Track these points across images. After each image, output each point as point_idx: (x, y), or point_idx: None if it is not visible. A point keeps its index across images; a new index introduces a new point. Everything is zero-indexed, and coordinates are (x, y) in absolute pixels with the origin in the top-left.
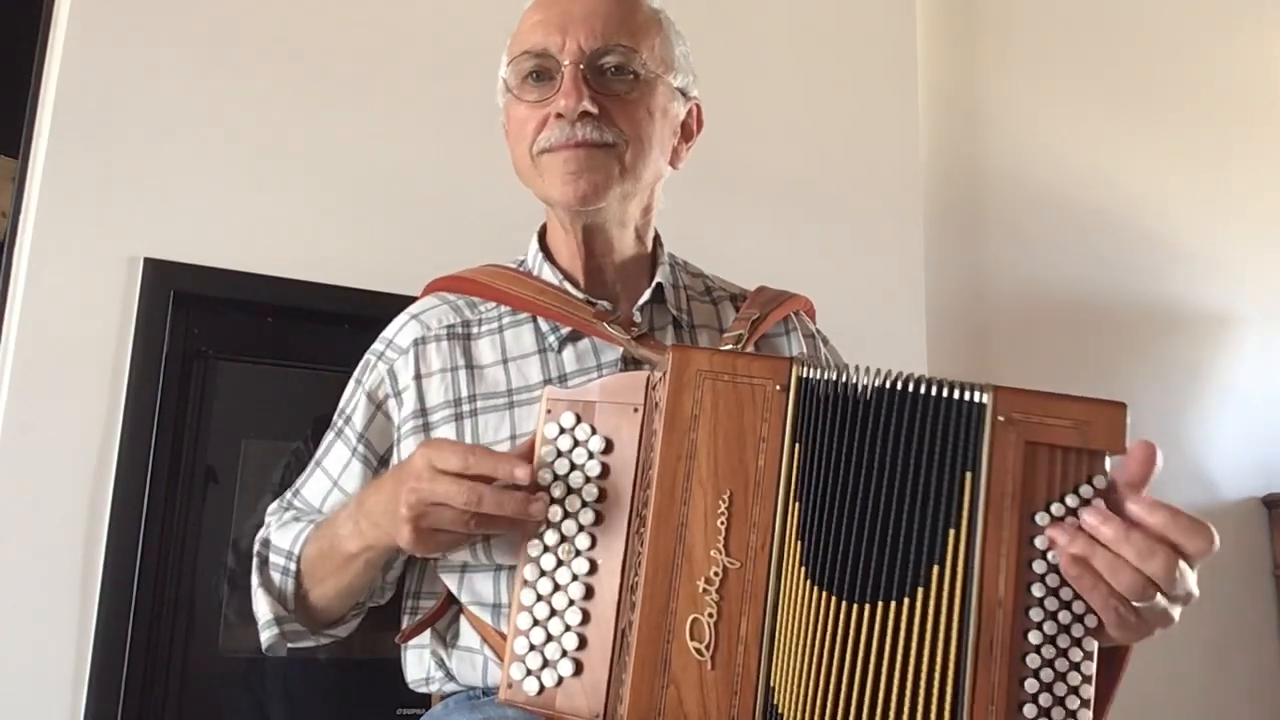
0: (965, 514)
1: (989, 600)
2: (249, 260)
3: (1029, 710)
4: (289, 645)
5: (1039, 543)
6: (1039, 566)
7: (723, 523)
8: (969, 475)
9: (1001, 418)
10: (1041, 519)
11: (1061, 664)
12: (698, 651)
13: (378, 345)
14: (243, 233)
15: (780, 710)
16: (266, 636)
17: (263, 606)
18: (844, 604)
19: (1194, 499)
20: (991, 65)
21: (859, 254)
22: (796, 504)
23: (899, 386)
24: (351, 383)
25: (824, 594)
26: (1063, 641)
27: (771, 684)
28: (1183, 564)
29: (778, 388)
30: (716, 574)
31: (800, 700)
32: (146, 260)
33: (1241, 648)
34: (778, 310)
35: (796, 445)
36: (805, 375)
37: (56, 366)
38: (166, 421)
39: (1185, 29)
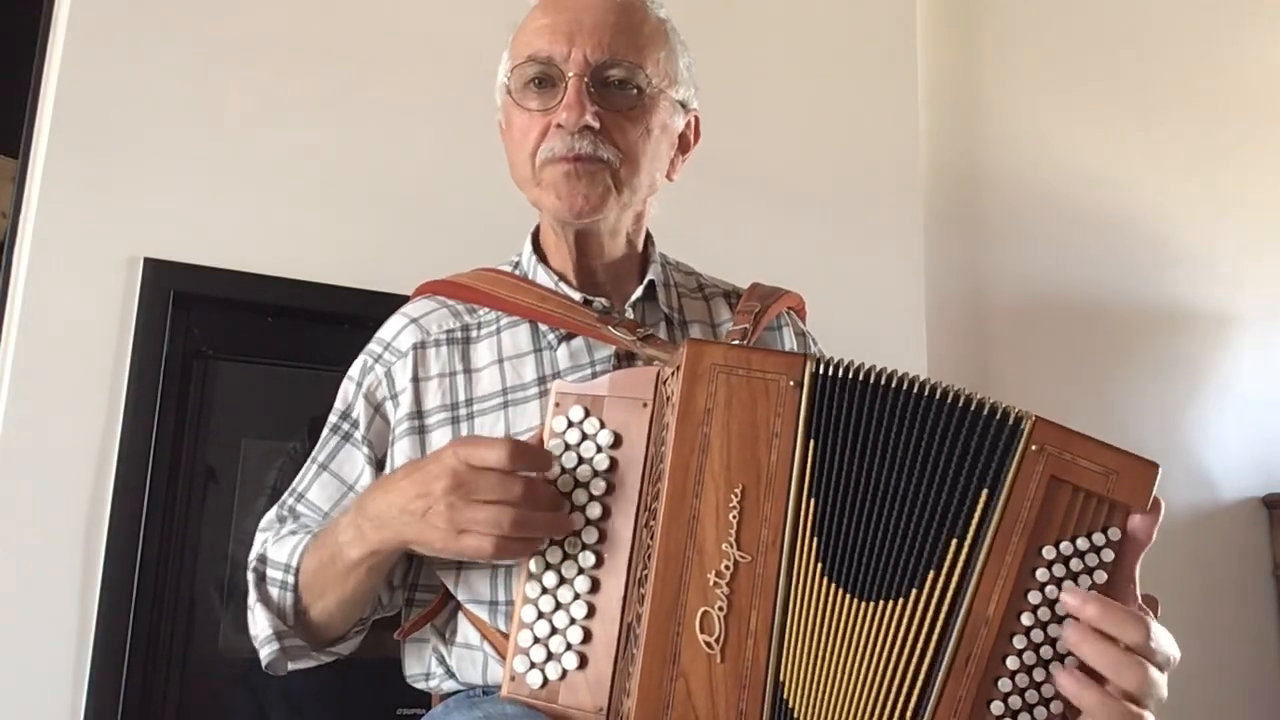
0: (973, 529)
1: (976, 616)
2: (249, 260)
3: None
4: (290, 664)
5: (1039, 575)
6: (1034, 597)
7: (734, 517)
8: (986, 493)
9: (1034, 447)
10: (1048, 553)
11: (1032, 695)
12: (707, 644)
13: (374, 347)
14: (243, 233)
15: (790, 704)
16: (267, 653)
17: (262, 622)
18: (855, 600)
19: (1194, 499)
20: (991, 65)
21: (859, 254)
22: (812, 500)
23: (929, 393)
24: (348, 384)
25: (839, 590)
26: (1039, 675)
27: (781, 678)
28: (1154, 670)
29: (791, 383)
30: (727, 567)
31: (810, 695)
32: (146, 260)
33: (1241, 648)
34: (776, 304)
35: (812, 441)
36: (819, 371)
37: (56, 366)
38: (166, 421)
39: (1185, 29)
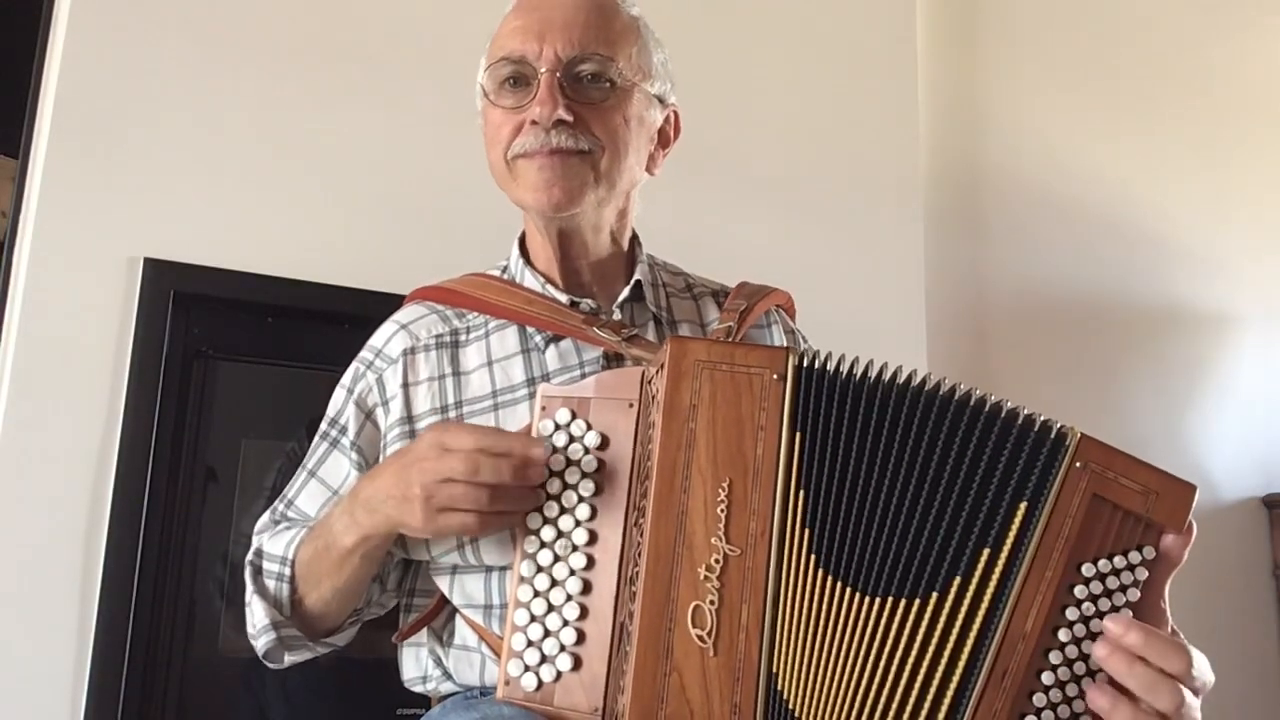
0: (1009, 541)
1: (1014, 630)
2: (249, 260)
3: None
4: (287, 655)
5: (1077, 592)
6: (1071, 614)
7: (723, 510)
8: (1023, 505)
9: (1079, 464)
10: (1087, 570)
11: (1064, 710)
12: (700, 638)
13: (366, 354)
14: (243, 233)
15: (784, 695)
16: (263, 642)
17: (259, 613)
18: (857, 594)
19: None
20: (991, 65)
21: (859, 254)
22: (801, 492)
23: (952, 394)
24: (340, 391)
25: (836, 583)
26: (1071, 690)
27: (774, 669)
28: (1188, 693)
29: (775, 376)
30: (717, 561)
31: (805, 686)
32: (146, 260)
33: (1242, 648)
34: (763, 302)
35: (797, 434)
36: (802, 364)
37: (56, 366)
38: (166, 421)
39: (1185, 29)
